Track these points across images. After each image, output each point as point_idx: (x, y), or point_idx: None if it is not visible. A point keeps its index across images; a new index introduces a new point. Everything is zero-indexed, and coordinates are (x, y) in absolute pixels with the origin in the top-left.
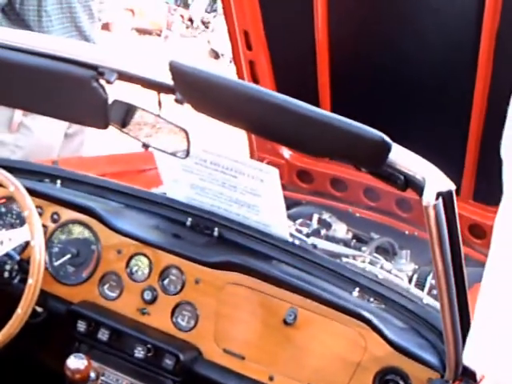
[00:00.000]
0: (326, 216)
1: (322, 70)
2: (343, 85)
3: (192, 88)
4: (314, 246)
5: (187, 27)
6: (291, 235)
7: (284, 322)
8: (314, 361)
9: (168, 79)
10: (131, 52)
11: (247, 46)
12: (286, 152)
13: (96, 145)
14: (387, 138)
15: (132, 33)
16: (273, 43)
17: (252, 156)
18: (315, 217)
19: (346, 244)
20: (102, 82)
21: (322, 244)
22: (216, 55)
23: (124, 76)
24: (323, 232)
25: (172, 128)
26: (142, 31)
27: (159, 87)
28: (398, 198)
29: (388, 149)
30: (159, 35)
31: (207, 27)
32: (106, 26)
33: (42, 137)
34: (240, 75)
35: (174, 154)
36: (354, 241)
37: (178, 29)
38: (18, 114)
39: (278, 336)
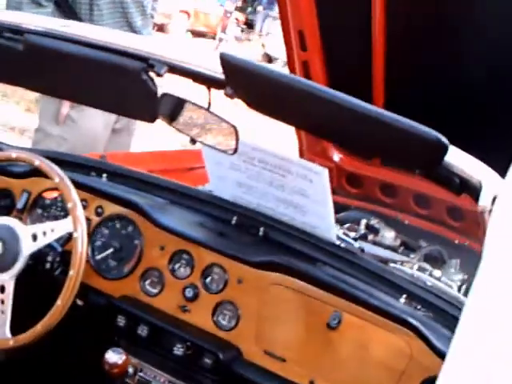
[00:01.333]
0: (374, 222)
1: (376, 72)
2: (398, 87)
3: (244, 82)
4: (362, 250)
5: (242, 30)
6: (338, 238)
7: (327, 325)
8: (356, 367)
9: (219, 74)
10: (182, 47)
11: (301, 47)
12: (336, 155)
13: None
14: (444, 139)
15: (187, 35)
16: (327, 44)
17: (301, 157)
18: (363, 222)
19: (394, 251)
20: (152, 74)
21: (370, 248)
22: (269, 59)
23: (174, 69)
24: (371, 237)
25: (221, 129)
26: (197, 33)
27: (209, 81)
28: (449, 206)
29: (445, 150)
30: (214, 38)
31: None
32: (161, 28)
33: (89, 130)
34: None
35: (222, 150)
36: (402, 248)
37: (232, 32)
38: (66, 106)
39: (320, 340)
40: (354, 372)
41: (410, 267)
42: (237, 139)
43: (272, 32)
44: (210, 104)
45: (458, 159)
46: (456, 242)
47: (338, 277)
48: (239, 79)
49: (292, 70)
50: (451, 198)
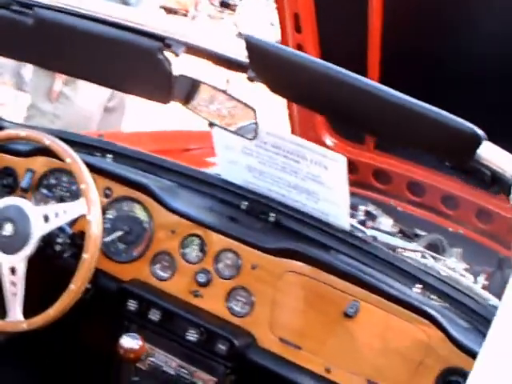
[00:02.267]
0: (371, 208)
1: (372, 57)
2: (393, 70)
3: (269, 66)
4: (374, 238)
5: (215, 9)
6: (350, 225)
7: (345, 314)
8: (373, 356)
9: (241, 56)
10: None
11: (296, 29)
12: (330, 140)
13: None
14: (480, 132)
15: (160, 11)
16: (323, 26)
17: None
18: (361, 208)
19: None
20: (168, 54)
21: (382, 236)
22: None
23: (192, 49)
24: (369, 224)
25: (237, 107)
26: (169, 10)
27: (230, 63)
28: (444, 194)
29: (478, 143)
30: (185, 15)
31: (234, 10)
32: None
33: (82, 108)
34: None
35: (241, 135)
36: (400, 235)
37: (205, 9)
38: (59, 82)
39: (337, 328)
40: (370, 361)
41: (423, 255)
42: (256, 123)
43: (246, 11)
44: (228, 85)
45: (491, 153)
46: (450, 229)
47: (354, 265)
48: (264, 63)
49: None
50: (446, 185)
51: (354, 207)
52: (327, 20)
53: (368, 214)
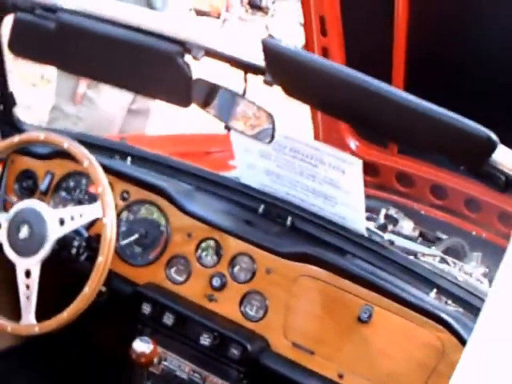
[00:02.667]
0: (392, 211)
1: (397, 60)
2: (419, 76)
3: (286, 70)
4: (391, 243)
5: (246, 11)
6: (367, 230)
7: (358, 319)
8: (386, 362)
9: (257, 59)
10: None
11: (322, 32)
12: (353, 143)
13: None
14: (494, 136)
15: (190, 14)
16: (348, 30)
17: None
18: (382, 211)
19: (413, 242)
20: (188, 58)
21: (399, 241)
22: None
23: (212, 53)
24: (390, 227)
25: (255, 112)
26: (201, 12)
27: (248, 67)
28: (467, 197)
29: (493, 147)
30: (218, 17)
31: (266, 12)
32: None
33: (105, 110)
34: None
35: (257, 139)
36: (421, 239)
37: (236, 12)
38: (83, 85)
39: (350, 333)
40: (383, 367)
41: (439, 261)
42: (273, 128)
43: (277, 14)
44: (245, 90)
45: (506, 157)
46: (473, 233)
47: (369, 270)
48: (281, 66)
49: None
50: (468, 188)
51: (375, 211)
52: (353, 24)
53: (389, 217)
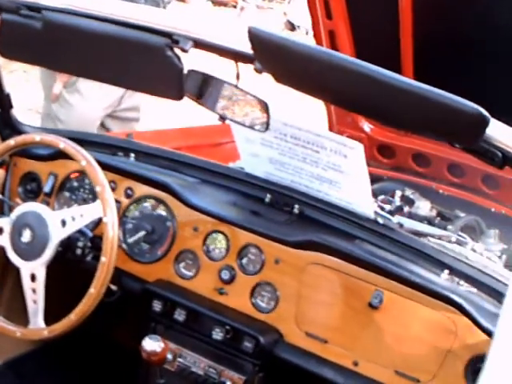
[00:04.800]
0: (408, 192)
1: (404, 39)
2: (426, 55)
3: (273, 56)
4: (400, 225)
5: None
6: (375, 213)
7: (369, 305)
8: (400, 347)
9: (247, 48)
10: (207, 21)
11: (327, 15)
12: (367, 126)
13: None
14: (485, 112)
15: (207, 4)
16: (353, 11)
17: (331, 129)
18: (398, 193)
19: (430, 222)
20: (177, 50)
21: (409, 223)
22: (292, 27)
23: (200, 44)
24: (406, 209)
25: (248, 101)
26: (218, 3)
27: (237, 56)
28: (485, 174)
29: (486, 123)
30: (235, 7)
31: None
32: None
33: (81, 111)
34: (319, 45)
35: (252, 127)
36: (439, 218)
37: (253, 0)
38: (58, 85)
39: (362, 319)
40: (398, 352)
41: (449, 240)
42: (268, 115)
43: (295, 0)
44: (238, 79)
45: (500, 132)
46: (492, 210)
47: (378, 254)
48: (268, 53)
49: (318, 40)
50: (486, 166)
51: (390, 192)
52: (358, 5)
53: (405, 198)
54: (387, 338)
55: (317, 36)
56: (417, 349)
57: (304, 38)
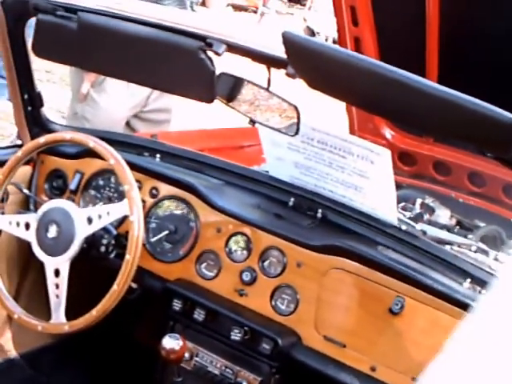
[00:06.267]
0: (429, 200)
1: (430, 48)
2: (452, 63)
3: (307, 62)
4: (424, 233)
5: (284, 4)
6: (399, 220)
7: (390, 311)
8: (419, 354)
9: (280, 52)
10: (240, 24)
11: (353, 22)
12: (389, 132)
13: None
14: None
15: (228, 9)
16: (379, 19)
17: (351, 134)
18: (418, 201)
19: (450, 230)
20: (210, 53)
21: (432, 231)
22: (312, 33)
23: (233, 48)
24: (426, 217)
25: (270, 106)
26: (238, 7)
27: (270, 60)
28: (505, 184)
29: None
30: (255, 12)
31: (303, 5)
32: (202, 2)
33: (107, 111)
34: None
35: (283, 132)
36: (458, 227)
37: (274, 5)
38: (86, 84)
39: (382, 325)
40: (416, 359)
41: (470, 249)
42: (298, 120)
43: (315, 6)
44: (269, 83)
45: None
46: None
47: (401, 261)
48: (302, 59)
49: (343, 46)
50: (506, 175)
51: (410, 200)
52: (384, 13)
53: (425, 206)
54: (406, 344)
55: (342, 42)
56: (434, 356)
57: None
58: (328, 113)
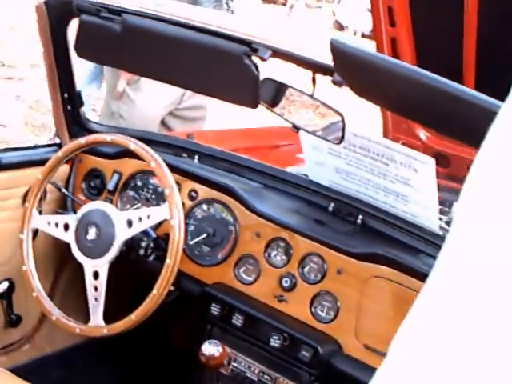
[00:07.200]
0: None
1: (468, 48)
2: (490, 63)
3: (355, 70)
4: None
5: None
6: (441, 228)
7: None
8: None
9: (327, 59)
10: (286, 29)
11: (390, 23)
12: (423, 133)
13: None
14: None
15: (256, 1)
16: (417, 20)
17: (386, 136)
18: (455, 204)
19: None
20: (255, 58)
21: None
22: (340, 27)
23: (278, 53)
24: None
25: (304, 102)
26: (267, 0)
27: (316, 67)
28: None
29: None
30: (284, 4)
31: None
32: None
33: (143, 109)
34: (380, 52)
35: (327, 139)
36: None
37: None
38: (122, 82)
39: None
40: None
41: None
42: (343, 128)
43: (344, 0)
44: (314, 89)
45: None
46: None
47: None
48: (349, 67)
49: (379, 46)
50: None
51: (447, 203)
52: (422, 14)
53: None
54: None
55: (378, 42)
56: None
57: (358, 40)
58: (360, 113)
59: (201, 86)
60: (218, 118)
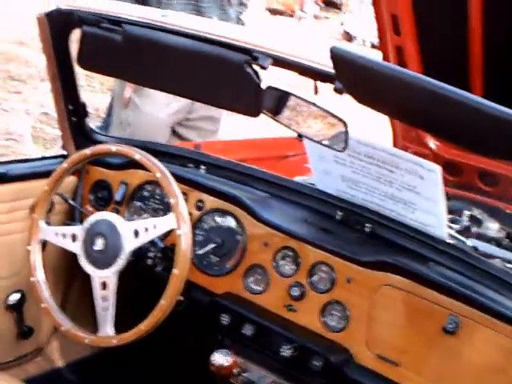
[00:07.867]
0: (476, 212)
1: (474, 56)
2: (497, 72)
3: (356, 77)
4: (475, 249)
5: (320, 8)
6: (449, 235)
7: (444, 330)
8: (475, 375)
9: (328, 67)
10: (286, 36)
11: (395, 31)
12: (433, 142)
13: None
14: None
15: (264, 13)
16: (422, 28)
17: (395, 144)
18: (466, 213)
19: (498, 243)
20: (256, 67)
21: (483, 246)
22: (349, 37)
23: (279, 61)
24: (474, 229)
25: (312, 112)
26: (274, 12)
27: (317, 75)
28: None
29: None
30: (291, 16)
31: (339, 8)
32: None
33: (149, 116)
34: (386, 61)
35: (330, 147)
36: (507, 240)
37: (311, 10)
38: (128, 89)
39: (435, 344)
40: (472, 380)
41: None
42: (346, 135)
43: (351, 9)
44: (316, 94)
45: None
46: None
47: (453, 278)
48: (350, 74)
49: (385, 55)
50: None
51: (458, 212)
52: (427, 22)
53: (473, 218)
54: (461, 364)
55: (384, 51)
56: (492, 378)
57: (362, 48)
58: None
59: (202, 95)
60: (228, 128)
